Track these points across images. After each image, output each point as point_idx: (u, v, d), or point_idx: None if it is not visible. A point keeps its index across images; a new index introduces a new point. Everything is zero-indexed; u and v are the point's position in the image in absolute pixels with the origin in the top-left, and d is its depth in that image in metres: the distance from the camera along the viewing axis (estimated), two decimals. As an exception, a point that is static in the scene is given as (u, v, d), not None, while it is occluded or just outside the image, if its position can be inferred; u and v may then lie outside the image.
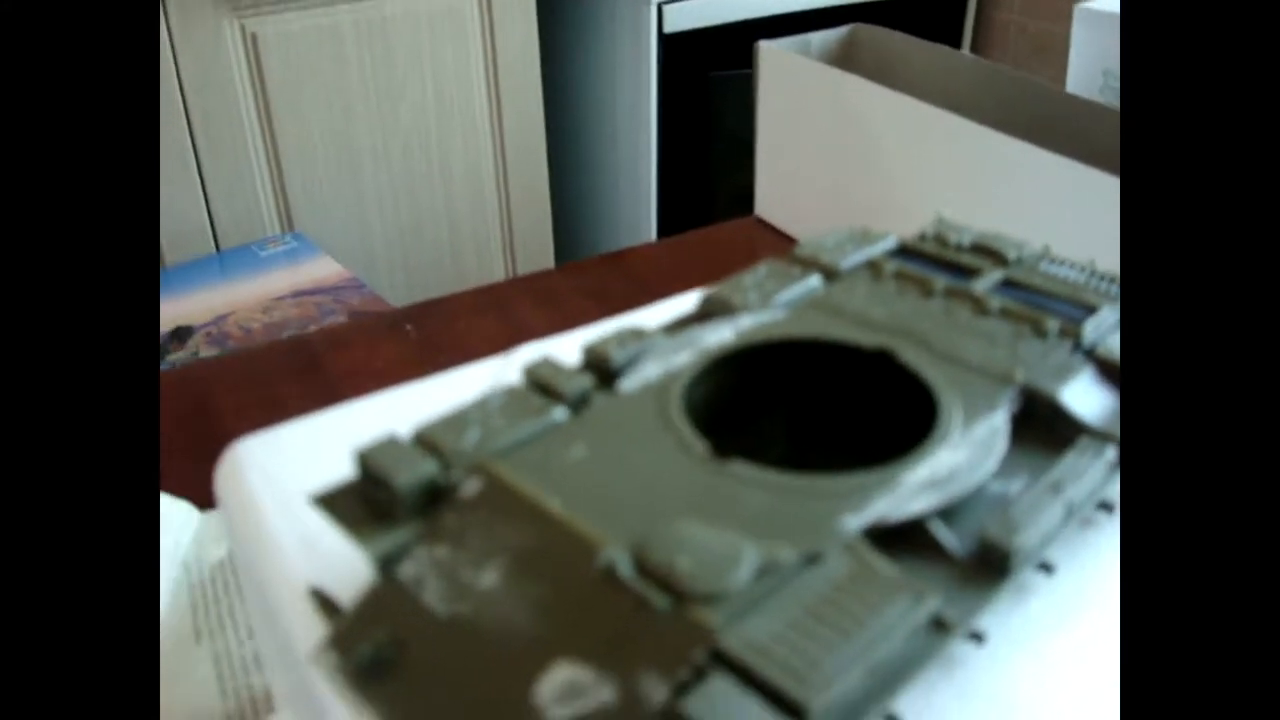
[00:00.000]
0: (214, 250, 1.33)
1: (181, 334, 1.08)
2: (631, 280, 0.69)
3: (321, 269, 1.20)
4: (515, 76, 1.43)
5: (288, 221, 1.36)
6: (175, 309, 1.13)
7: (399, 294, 1.43)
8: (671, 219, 1.55)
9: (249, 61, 1.27)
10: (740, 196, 0.77)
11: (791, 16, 1.49)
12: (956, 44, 1.75)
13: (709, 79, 1.50)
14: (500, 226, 1.52)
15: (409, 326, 0.64)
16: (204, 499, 0.48)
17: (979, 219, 0.32)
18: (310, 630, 0.23)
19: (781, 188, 0.74)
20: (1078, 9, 0.62)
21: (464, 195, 1.47)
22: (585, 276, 0.71)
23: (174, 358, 1.04)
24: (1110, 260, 0.30)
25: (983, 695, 0.22)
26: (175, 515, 0.46)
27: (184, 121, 1.25)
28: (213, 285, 1.20)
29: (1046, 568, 0.25)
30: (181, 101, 1.24)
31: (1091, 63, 0.62)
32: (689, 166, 1.55)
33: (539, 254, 1.55)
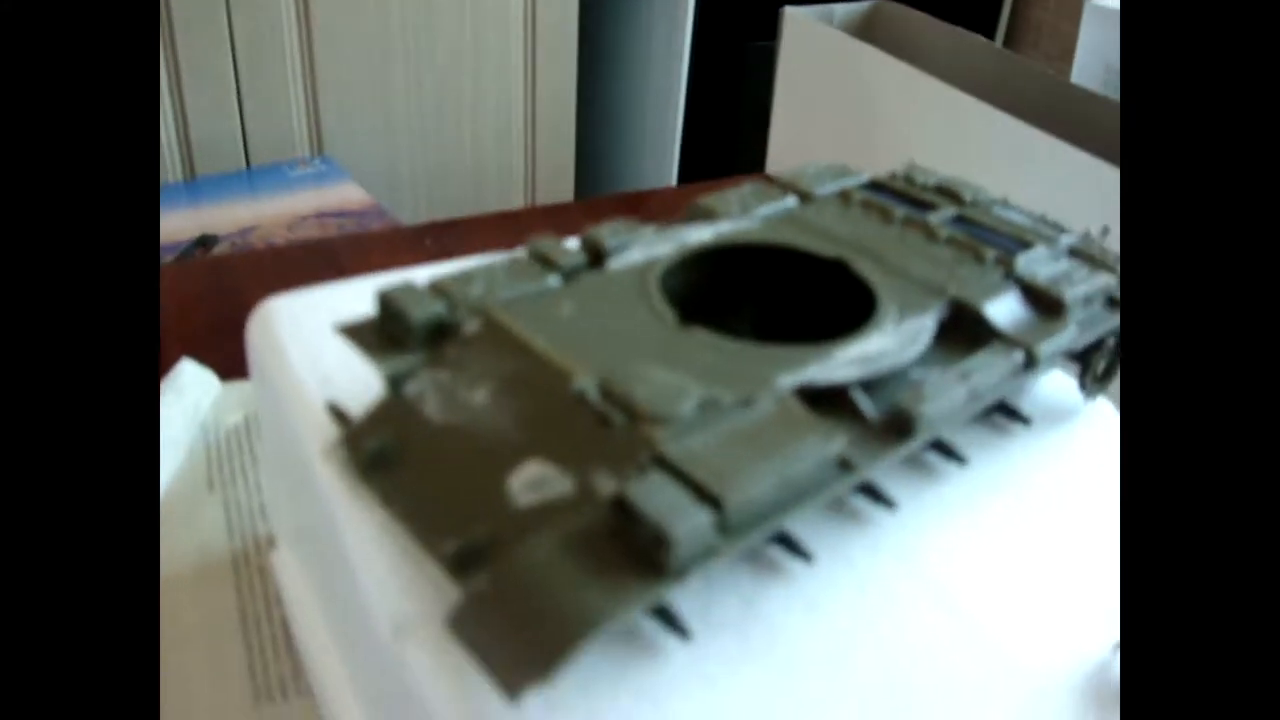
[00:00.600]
0: (244, 166, 1.37)
1: (207, 241, 1.12)
2: (643, 219, 0.73)
3: (347, 194, 1.24)
4: (552, 27, 1.46)
5: (318, 145, 1.40)
6: (202, 218, 1.17)
7: (420, 222, 1.47)
8: (692, 176, 1.59)
9: (296, -14, 1.31)
10: (760, 160, 0.81)
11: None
12: (990, 37, 1.78)
13: (743, 48, 1.53)
14: (524, 170, 1.55)
15: (428, 240, 0.68)
16: (225, 370, 0.52)
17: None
18: (324, 442, 0.28)
19: (793, 149, 0.77)
20: (1088, 6, 0.65)
21: (491, 135, 1.50)
22: (601, 212, 0.75)
23: (203, 258, 1.08)
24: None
25: (888, 549, 0.26)
26: (199, 380, 0.50)
27: (228, 41, 1.29)
28: (240, 199, 1.23)
29: (960, 459, 0.29)
30: (227, 19, 1.28)
31: (1095, 57, 0.66)
32: (715, 129, 1.58)
33: (559, 198, 1.59)
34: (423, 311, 0.26)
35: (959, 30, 0.73)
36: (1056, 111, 0.64)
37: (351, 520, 0.26)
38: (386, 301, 0.26)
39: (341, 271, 0.65)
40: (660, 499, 0.20)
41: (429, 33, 1.39)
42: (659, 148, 1.60)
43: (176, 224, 1.15)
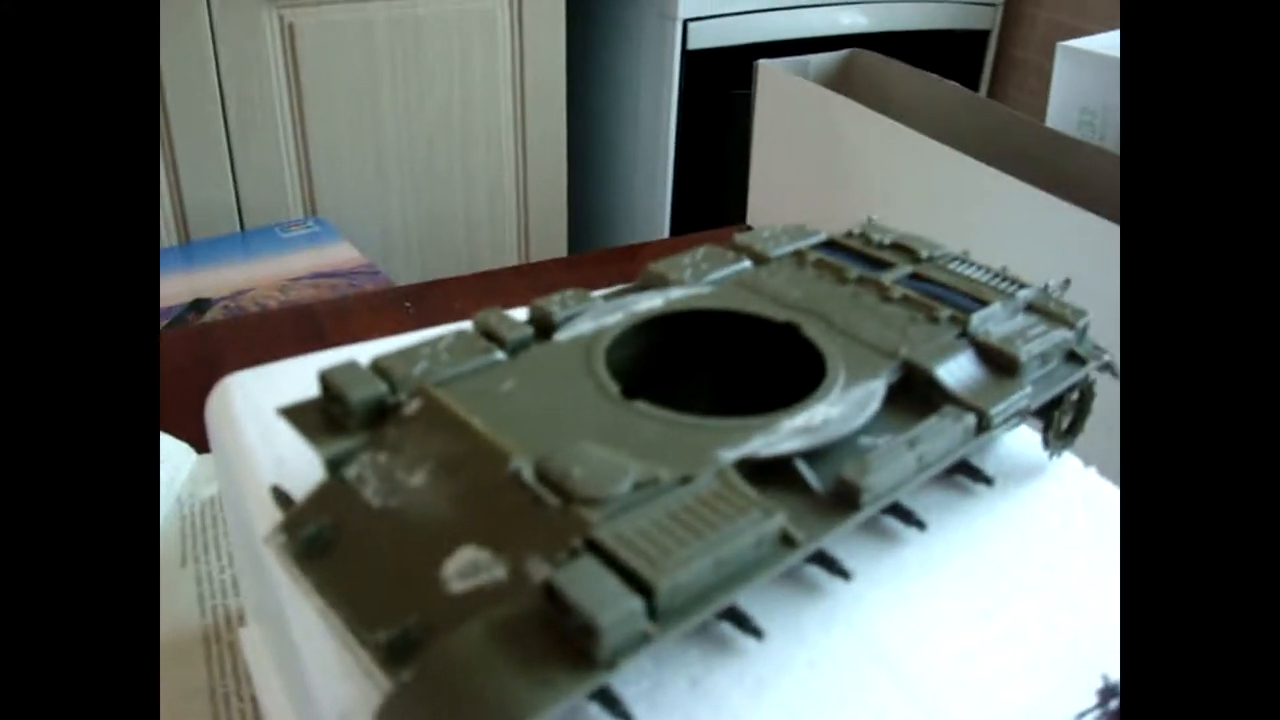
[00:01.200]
0: (238, 229, 1.37)
1: (200, 305, 1.13)
2: (627, 276, 0.73)
3: (340, 254, 1.25)
4: (541, 81, 1.47)
5: (311, 206, 1.41)
6: (196, 282, 1.18)
7: (413, 281, 1.47)
8: (684, 226, 1.59)
9: (285, 51, 1.32)
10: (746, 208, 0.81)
11: (811, 41, 1.53)
12: (976, 78, 1.79)
13: (730, 96, 1.54)
14: (517, 225, 1.56)
15: (408, 304, 0.68)
16: (201, 443, 0.52)
17: (956, 243, 0.35)
18: (271, 523, 0.27)
19: (772, 200, 0.77)
20: (1060, 46, 0.65)
21: (483, 192, 1.51)
22: (585, 269, 0.75)
23: (189, 326, 1.08)
24: (1078, 292, 0.33)
25: (841, 621, 0.26)
26: (174, 453, 0.50)
27: (219, 104, 1.30)
28: (234, 262, 1.24)
29: (920, 524, 0.28)
30: (218, 85, 1.29)
31: (1070, 99, 0.66)
32: (705, 177, 1.59)
33: (553, 254, 1.59)
34: (362, 392, 0.25)
35: (934, 77, 0.74)
36: (1031, 157, 0.65)
37: (295, 605, 0.26)
38: (328, 382, 0.26)
39: (322, 337, 0.65)
40: (589, 585, 0.20)
41: (419, 93, 1.41)
42: (650, 199, 1.61)
43: (171, 288, 1.16)
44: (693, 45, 1.47)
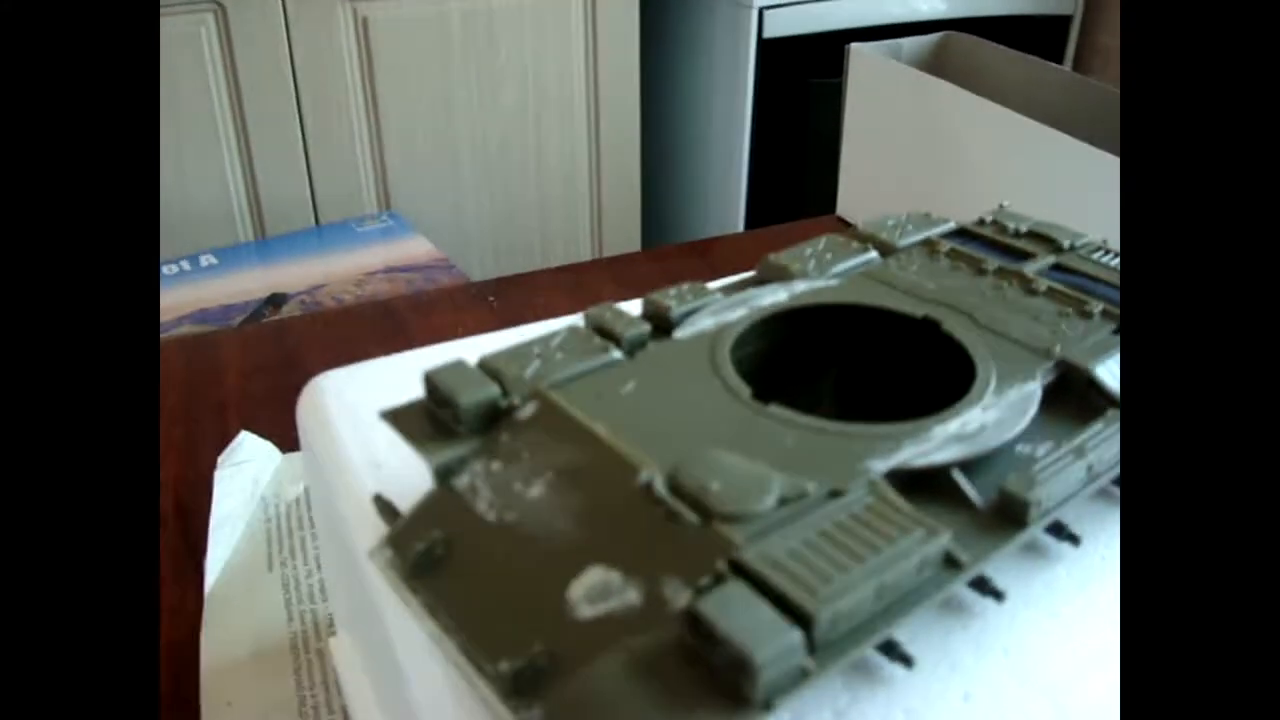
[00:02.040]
0: (314, 224, 1.37)
1: (277, 300, 1.13)
2: (711, 267, 0.71)
3: (414, 248, 1.24)
4: (615, 74, 1.45)
5: (385, 200, 1.40)
6: (272, 277, 1.18)
7: (488, 275, 1.46)
8: (760, 218, 1.56)
9: (359, 45, 1.32)
10: (830, 198, 0.78)
11: (892, 27, 1.49)
12: (1058, 63, 1.73)
13: (808, 85, 1.50)
14: (590, 218, 1.54)
15: (491, 298, 0.66)
16: (286, 442, 0.50)
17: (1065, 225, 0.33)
18: (372, 537, 0.25)
19: (863, 188, 0.74)
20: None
21: (557, 186, 1.50)
22: (666, 262, 0.73)
23: (271, 321, 1.08)
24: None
25: (997, 647, 0.23)
26: (259, 452, 0.48)
27: (294, 100, 1.30)
28: (310, 256, 1.24)
29: (1073, 539, 0.25)
30: (293, 81, 1.29)
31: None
32: (782, 168, 1.56)
33: (627, 246, 1.58)
34: (472, 395, 0.24)
35: (1030, 58, 0.70)
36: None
37: (402, 627, 0.24)
38: (434, 384, 0.24)
39: (404, 332, 0.63)
40: (740, 615, 0.18)
41: (492, 85, 1.39)
42: (725, 192, 1.58)
43: (247, 283, 1.16)
44: (768, 33, 1.44)
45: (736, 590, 0.18)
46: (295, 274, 1.19)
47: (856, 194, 0.75)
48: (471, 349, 0.35)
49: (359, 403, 0.31)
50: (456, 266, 1.18)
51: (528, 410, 0.23)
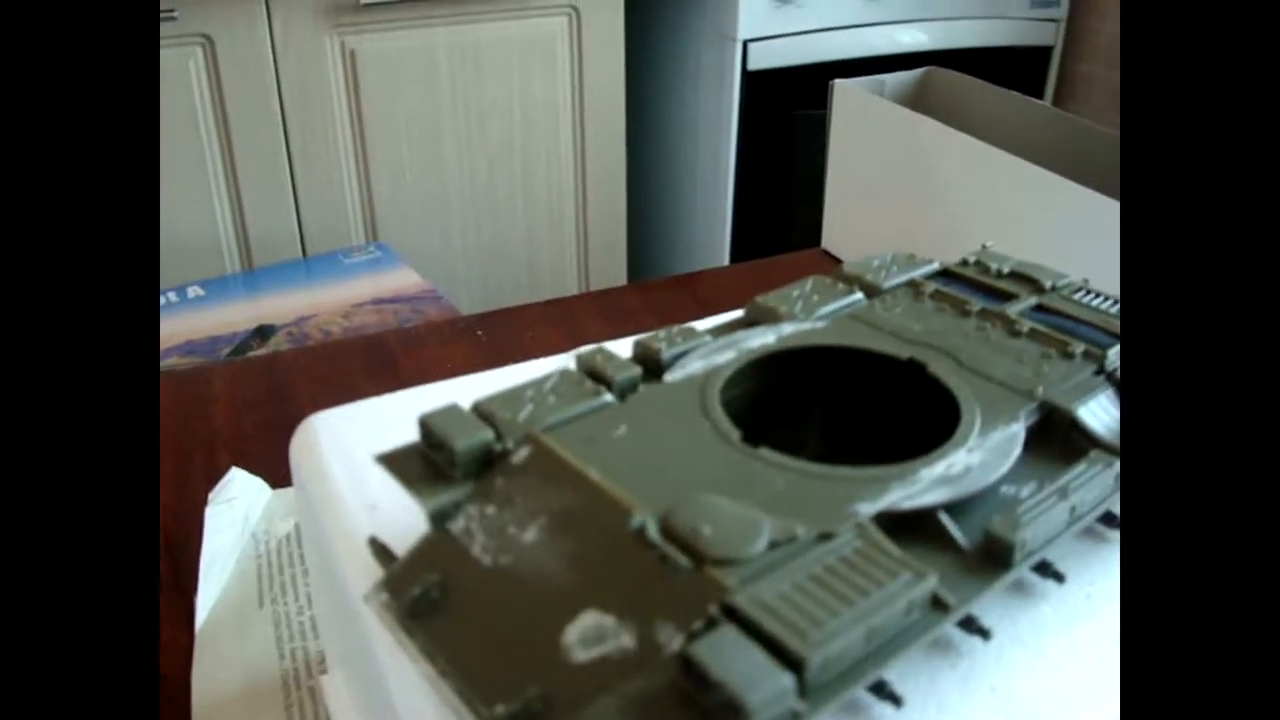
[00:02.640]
0: (301, 255, 1.38)
1: (264, 332, 1.13)
2: (697, 301, 0.72)
3: (402, 279, 1.24)
4: (600, 104, 1.47)
5: (373, 232, 1.41)
6: (260, 308, 1.18)
7: (475, 307, 1.47)
8: (746, 249, 1.57)
9: (346, 76, 1.32)
10: (816, 230, 0.79)
11: (875, 60, 1.51)
12: (1039, 94, 1.76)
13: (793, 117, 1.52)
14: (577, 248, 1.55)
15: (480, 332, 0.67)
16: (276, 477, 0.51)
17: (1046, 264, 0.33)
18: (366, 579, 0.26)
19: (848, 222, 0.75)
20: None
21: (543, 216, 1.50)
22: (653, 295, 0.73)
23: (255, 354, 1.08)
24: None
25: (984, 686, 0.24)
26: (249, 489, 0.49)
27: (281, 131, 1.31)
28: (297, 288, 1.24)
29: (1058, 576, 0.26)
30: (280, 112, 1.30)
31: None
32: (767, 200, 1.57)
33: (613, 279, 1.58)
34: (467, 439, 0.24)
35: (1011, 94, 0.71)
36: (1116, 172, 0.62)
37: (396, 667, 0.24)
38: (428, 428, 0.24)
39: (394, 367, 0.63)
40: (732, 659, 0.18)
41: (479, 116, 1.40)
42: (711, 224, 1.59)
43: (235, 315, 1.16)
44: (753, 66, 1.46)
45: (729, 634, 0.19)
46: (283, 305, 1.19)
47: (841, 227, 0.76)
48: (463, 389, 0.35)
49: (353, 444, 0.32)
50: (444, 297, 1.19)
51: (521, 454, 0.24)
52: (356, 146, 1.36)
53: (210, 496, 0.48)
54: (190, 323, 1.13)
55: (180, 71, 1.24)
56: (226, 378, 0.63)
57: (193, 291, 1.20)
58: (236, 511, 0.47)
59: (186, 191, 1.29)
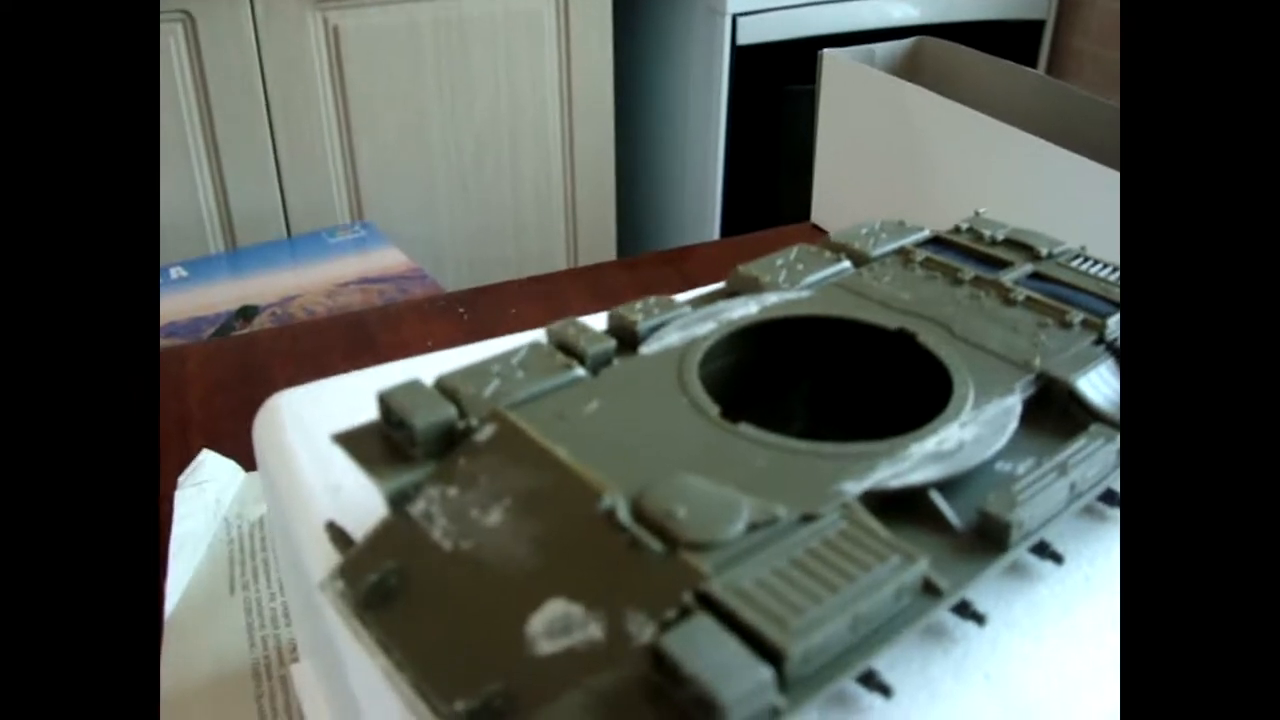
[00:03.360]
0: (285, 235, 1.36)
1: (247, 312, 1.11)
2: (684, 276, 0.70)
3: (388, 258, 1.23)
4: (588, 80, 1.44)
5: (358, 210, 1.39)
6: (243, 289, 1.16)
7: (462, 285, 1.45)
8: (736, 226, 1.56)
9: (330, 54, 1.30)
10: (806, 205, 0.78)
11: (865, 34, 1.49)
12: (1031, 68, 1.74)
13: (782, 91, 1.50)
14: (565, 227, 1.53)
15: (462, 310, 0.65)
16: (250, 460, 0.49)
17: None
18: (327, 564, 0.24)
19: (838, 194, 0.74)
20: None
21: (531, 193, 1.49)
22: (640, 271, 0.72)
23: (238, 335, 1.06)
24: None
25: (978, 674, 0.22)
26: (221, 473, 0.47)
27: (264, 109, 1.28)
28: (282, 268, 1.22)
29: (1056, 557, 0.25)
30: (263, 90, 1.28)
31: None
32: (757, 175, 1.55)
33: (602, 256, 1.57)
34: (428, 417, 0.22)
35: (1003, 62, 0.70)
36: (1110, 140, 0.61)
37: (356, 659, 0.23)
38: (388, 405, 0.23)
39: (372, 345, 0.62)
40: (706, 651, 0.17)
41: (465, 94, 1.38)
42: (700, 199, 1.58)
43: (218, 295, 1.14)
44: (742, 40, 1.43)
45: (703, 624, 0.17)
46: (266, 286, 1.17)
47: (831, 201, 0.75)
48: (436, 365, 0.34)
49: (317, 423, 0.30)
50: (430, 276, 1.17)
51: (486, 432, 0.22)
52: (341, 125, 1.34)
53: (180, 480, 0.47)
54: (173, 304, 1.11)
55: (160, 49, 1.22)
56: (201, 358, 0.61)
57: (175, 272, 1.18)
58: (208, 495, 0.46)
59: (169, 171, 1.27)
